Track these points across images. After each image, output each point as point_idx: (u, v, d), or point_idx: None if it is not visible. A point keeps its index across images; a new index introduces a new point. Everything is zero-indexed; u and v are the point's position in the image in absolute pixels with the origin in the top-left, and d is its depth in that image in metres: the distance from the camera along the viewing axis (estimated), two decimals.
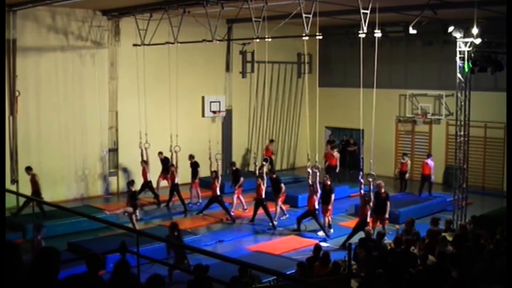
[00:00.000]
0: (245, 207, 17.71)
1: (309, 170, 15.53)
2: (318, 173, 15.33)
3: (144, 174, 18.32)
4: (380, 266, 8.81)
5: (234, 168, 18.47)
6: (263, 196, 16.39)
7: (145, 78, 18.93)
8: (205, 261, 9.45)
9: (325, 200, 15.65)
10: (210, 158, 17.74)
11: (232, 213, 17.07)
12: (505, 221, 10.30)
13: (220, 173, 17.48)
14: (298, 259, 11.77)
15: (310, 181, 15.65)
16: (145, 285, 5.14)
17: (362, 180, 14.86)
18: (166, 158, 18.86)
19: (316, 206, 15.40)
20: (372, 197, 14.63)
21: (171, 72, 19.37)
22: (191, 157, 18.65)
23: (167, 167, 18.36)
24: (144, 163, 18.42)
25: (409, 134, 23.27)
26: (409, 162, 20.56)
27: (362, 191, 14.83)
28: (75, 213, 13.00)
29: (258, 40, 15.52)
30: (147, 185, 18.37)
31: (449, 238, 11.49)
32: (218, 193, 16.90)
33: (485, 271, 8.42)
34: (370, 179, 14.37)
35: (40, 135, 18.26)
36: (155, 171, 18.98)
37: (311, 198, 15.46)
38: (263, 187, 16.38)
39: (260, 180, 16.43)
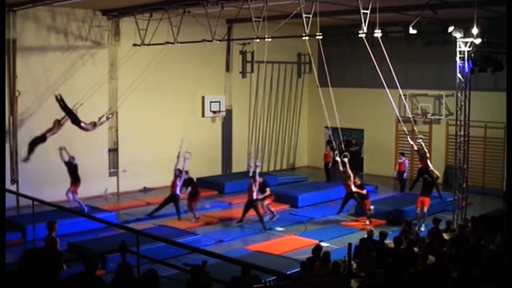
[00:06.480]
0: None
1: (338, 158, 16.68)
2: (347, 160, 16.39)
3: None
4: (380, 266, 8.82)
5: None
6: (254, 197, 16.18)
7: (145, 78, 18.90)
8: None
9: None
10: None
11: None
12: (505, 221, 10.30)
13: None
14: (298, 259, 11.78)
15: (341, 168, 16.58)
16: (141, 280, 5.15)
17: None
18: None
19: (354, 189, 16.16)
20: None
21: (171, 72, 19.33)
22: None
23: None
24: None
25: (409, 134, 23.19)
26: (406, 161, 20.57)
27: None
28: (75, 213, 13.01)
29: (258, 40, 15.50)
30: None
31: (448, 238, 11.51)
32: (178, 192, 16.66)
33: (485, 271, 8.43)
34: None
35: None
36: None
37: (347, 182, 16.30)
38: (255, 189, 16.20)
39: (252, 181, 16.27)
